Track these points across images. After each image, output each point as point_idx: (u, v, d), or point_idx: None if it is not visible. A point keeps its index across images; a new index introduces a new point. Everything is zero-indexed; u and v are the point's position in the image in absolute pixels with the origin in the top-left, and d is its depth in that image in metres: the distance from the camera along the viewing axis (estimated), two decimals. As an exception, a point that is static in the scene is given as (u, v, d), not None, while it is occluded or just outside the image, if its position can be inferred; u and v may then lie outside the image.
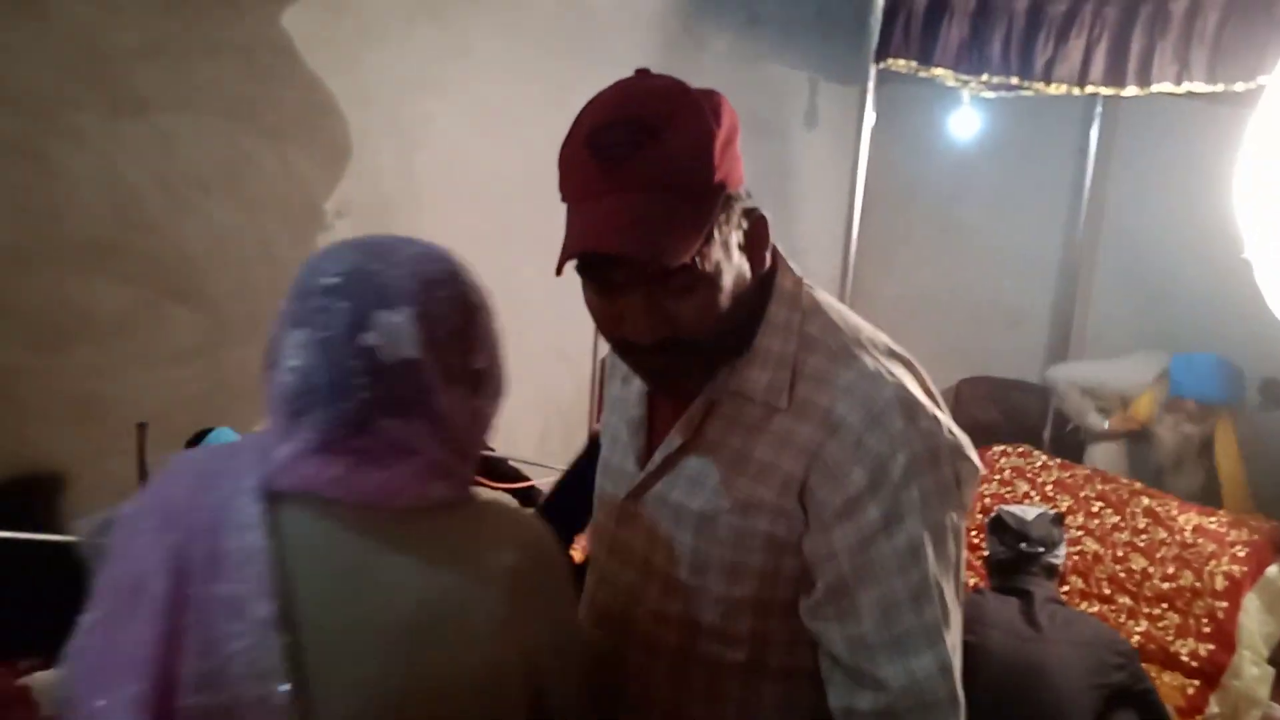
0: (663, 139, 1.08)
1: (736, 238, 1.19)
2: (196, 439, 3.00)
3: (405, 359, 1.02)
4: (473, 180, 4.13)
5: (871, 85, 3.74)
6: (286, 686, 0.91)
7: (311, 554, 0.99)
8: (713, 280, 1.14)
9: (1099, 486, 3.82)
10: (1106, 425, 4.61)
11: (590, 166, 1.12)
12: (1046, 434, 5.10)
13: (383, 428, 1.02)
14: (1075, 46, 3.80)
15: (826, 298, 1.29)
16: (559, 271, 1.14)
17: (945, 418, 1.23)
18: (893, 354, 1.26)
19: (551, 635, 1.12)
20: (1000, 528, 2.55)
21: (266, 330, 3.68)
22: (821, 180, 5.98)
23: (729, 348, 1.22)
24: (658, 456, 1.29)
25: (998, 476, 4.00)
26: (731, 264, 1.17)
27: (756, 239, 1.23)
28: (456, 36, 3.92)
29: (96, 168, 3.09)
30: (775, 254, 1.28)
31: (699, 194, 1.11)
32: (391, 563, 1.01)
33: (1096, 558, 3.44)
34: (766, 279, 1.25)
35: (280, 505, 1.00)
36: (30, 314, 3.05)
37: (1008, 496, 3.87)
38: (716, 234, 1.13)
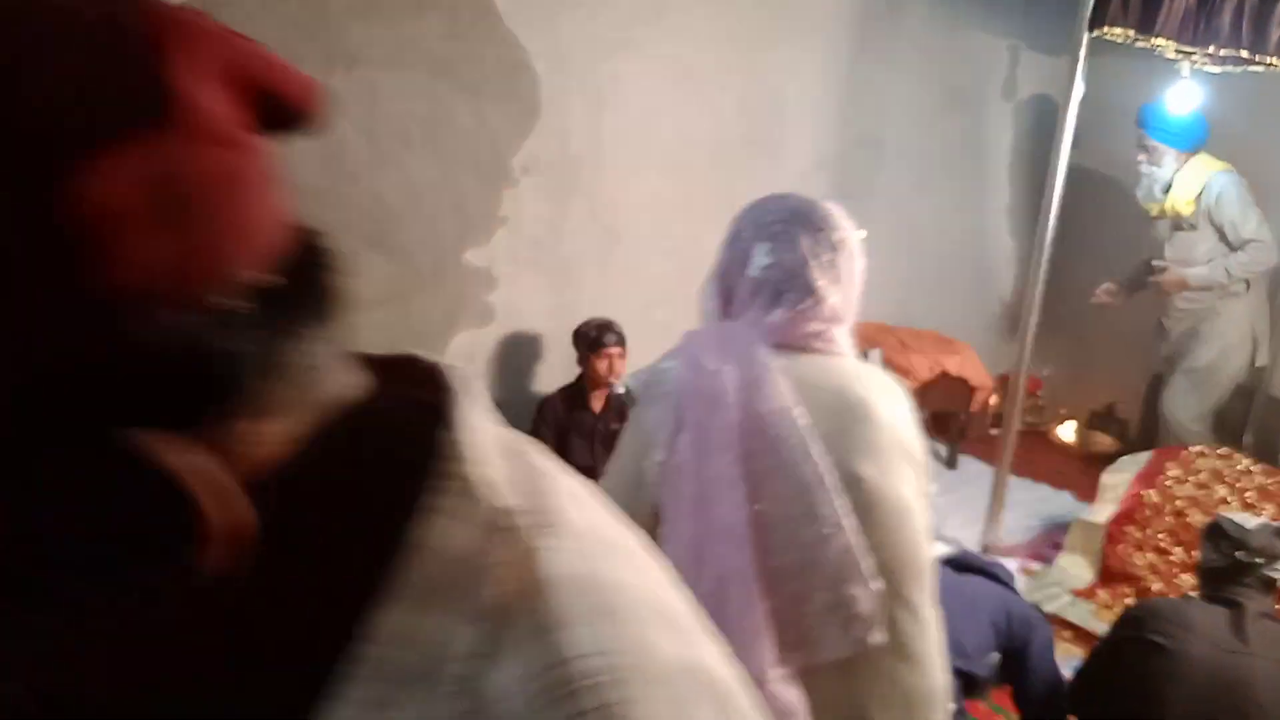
0: None
1: None
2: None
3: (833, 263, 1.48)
4: (659, 143, 4.16)
5: (1083, 54, 3.52)
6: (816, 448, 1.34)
7: (803, 380, 1.41)
8: None
9: (1308, 497, 3.55)
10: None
11: None
12: (1246, 438, 4.76)
13: (823, 302, 1.46)
14: (1318, 19, 3.47)
15: None
16: None
17: None
18: None
19: None
20: (1217, 534, 2.40)
21: (451, 275, 3.78)
22: (1018, 155, 5.73)
23: None
24: None
25: (1193, 478, 3.77)
26: None
27: None
28: (652, -1, 3.94)
29: (312, 119, 3.27)
30: None
31: None
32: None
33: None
34: None
35: (777, 351, 1.43)
36: (244, 254, 3.28)
37: (1203, 500, 3.64)
38: None
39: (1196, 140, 4.25)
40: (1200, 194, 4.21)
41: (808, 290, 1.44)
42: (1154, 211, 4.44)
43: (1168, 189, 4.30)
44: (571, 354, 3.90)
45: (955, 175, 5.36)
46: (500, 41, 3.60)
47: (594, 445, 3.82)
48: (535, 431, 3.79)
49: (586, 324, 3.76)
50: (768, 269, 1.46)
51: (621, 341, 3.73)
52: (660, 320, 4.23)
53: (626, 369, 3.78)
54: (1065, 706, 2.45)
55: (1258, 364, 4.48)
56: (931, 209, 5.32)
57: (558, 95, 3.79)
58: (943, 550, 3.55)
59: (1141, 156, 4.38)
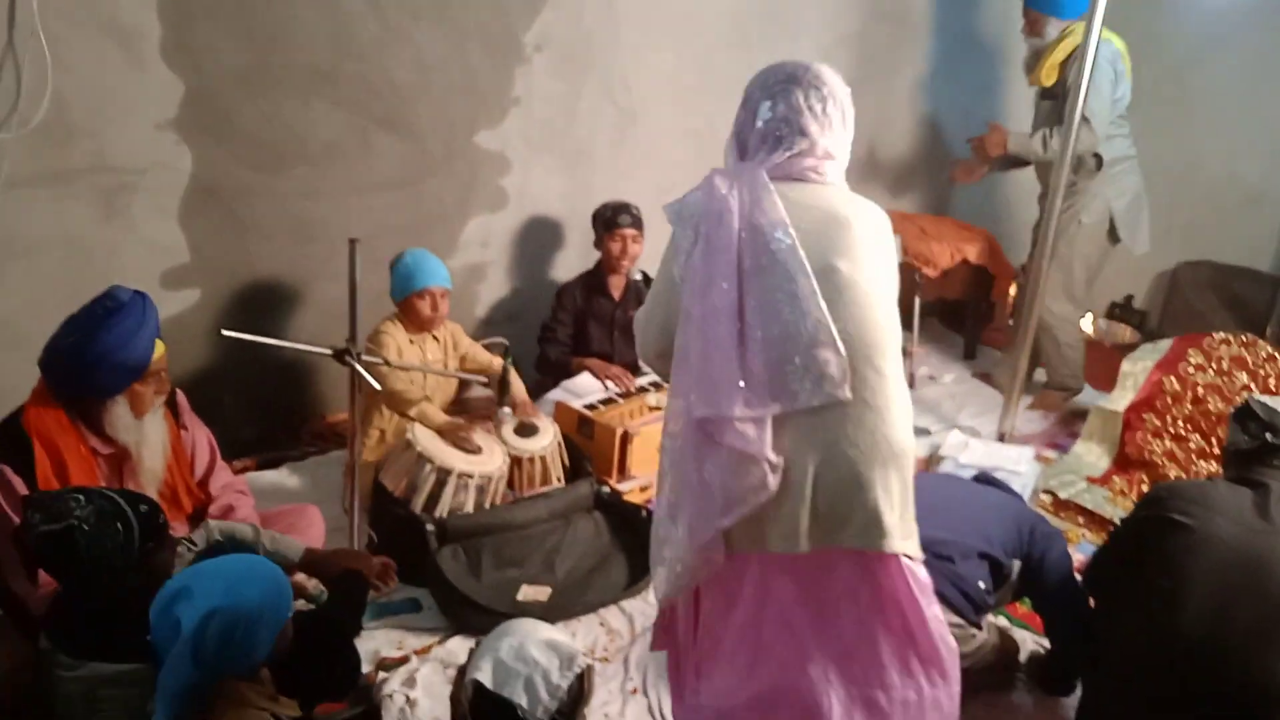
0: None
1: None
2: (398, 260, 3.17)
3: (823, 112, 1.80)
4: (674, 19, 4.02)
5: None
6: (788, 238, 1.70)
7: (795, 201, 1.73)
8: None
9: (1331, 385, 3.51)
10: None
11: None
12: (1270, 329, 4.69)
13: (815, 144, 1.78)
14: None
15: None
16: None
17: None
18: None
19: None
20: (1247, 416, 2.37)
21: (463, 157, 3.73)
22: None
23: None
24: None
25: (1214, 365, 3.73)
26: None
27: None
28: None
29: (317, -8, 3.16)
30: None
31: None
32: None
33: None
34: None
35: (777, 181, 1.75)
36: (253, 135, 3.21)
37: (1224, 388, 3.61)
38: None
39: (1077, 7, 3.81)
40: (1064, 61, 3.97)
41: (802, 134, 1.77)
42: (1030, 82, 4.20)
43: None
44: (587, 239, 3.85)
45: (982, 57, 5.19)
46: (512, -93, 3.46)
47: (612, 332, 3.79)
48: (554, 318, 3.76)
49: (603, 205, 3.71)
50: (769, 121, 1.79)
51: (637, 224, 3.67)
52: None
53: (643, 252, 3.72)
54: (1083, 601, 2.46)
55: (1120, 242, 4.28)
56: (956, 92, 5.16)
57: (570, -33, 3.66)
58: (965, 462, 3.56)
59: (1023, 28, 4.13)
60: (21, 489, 2.16)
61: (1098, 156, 3.95)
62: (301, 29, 3.18)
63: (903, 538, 1.74)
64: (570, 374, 3.67)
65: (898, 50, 4.90)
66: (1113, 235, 4.14)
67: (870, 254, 1.76)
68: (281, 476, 3.39)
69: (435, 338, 3.27)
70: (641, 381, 3.61)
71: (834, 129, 1.81)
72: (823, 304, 1.67)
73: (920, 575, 1.80)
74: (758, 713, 1.80)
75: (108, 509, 1.72)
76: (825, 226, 1.73)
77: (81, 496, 1.73)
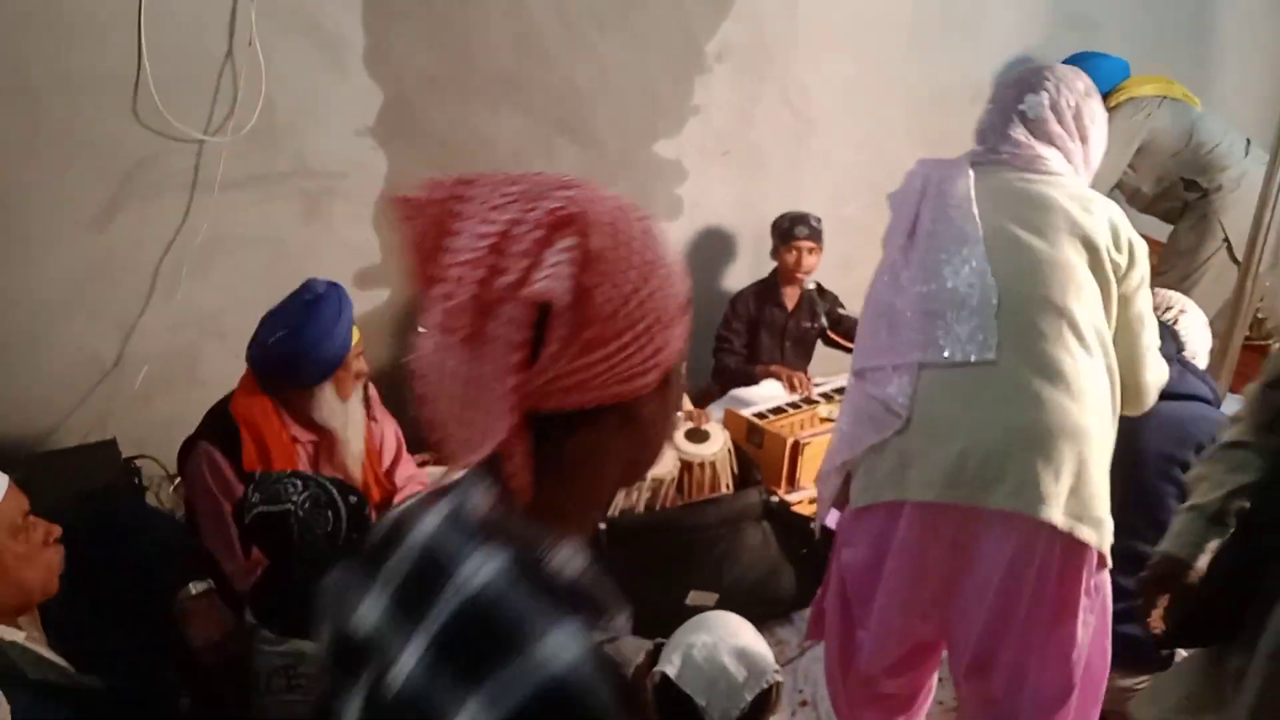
0: None
1: None
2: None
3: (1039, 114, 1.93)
4: (854, 30, 3.96)
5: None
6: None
7: (1001, 188, 1.88)
8: None
9: None
10: None
11: None
12: None
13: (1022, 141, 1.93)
14: None
15: None
16: None
17: None
18: None
19: None
20: None
21: (640, 165, 3.77)
22: (1250, 36, 5.20)
23: None
24: None
25: None
26: None
27: None
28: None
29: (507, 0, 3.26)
30: None
31: None
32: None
33: None
34: None
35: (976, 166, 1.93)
36: (440, 137, 3.34)
37: None
38: None
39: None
40: None
41: (1005, 132, 1.92)
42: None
43: None
44: (761, 248, 3.83)
45: (1178, 60, 4.91)
46: (698, -80, 3.49)
47: (783, 342, 3.77)
48: (727, 325, 3.76)
49: (782, 216, 3.68)
50: (982, 119, 2.01)
51: (814, 235, 3.63)
52: (850, 215, 4.10)
53: (819, 264, 3.68)
54: None
55: None
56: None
57: (755, -26, 3.65)
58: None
59: None
60: (229, 473, 2.31)
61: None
62: (491, 36, 3.28)
63: (1071, 516, 1.68)
64: (753, 381, 3.65)
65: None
66: None
67: (1065, 235, 1.78)
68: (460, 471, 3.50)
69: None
70: (819, 391, 3.57)
71: (1053, 128, 1.89)
72: (987, 269, 1.75)
73: (1100, 585, 1.76)
74: (909, 667, 1.98)
75: (322, 497, 1.81)
76: (1020, 203, 1.82)
77: (299, 482, 1.82)
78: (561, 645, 0.74)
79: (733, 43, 3.71)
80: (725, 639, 1.87)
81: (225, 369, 2.93)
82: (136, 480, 2.89)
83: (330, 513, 1.80)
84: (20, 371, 2.95)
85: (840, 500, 1.99)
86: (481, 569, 0.79)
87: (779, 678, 1.88)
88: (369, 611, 0.87)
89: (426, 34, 3.18)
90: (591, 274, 0.76)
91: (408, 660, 0.79)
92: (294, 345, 2.31)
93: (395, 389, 3.24)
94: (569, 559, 0.82)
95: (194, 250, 3.06)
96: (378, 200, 3.30)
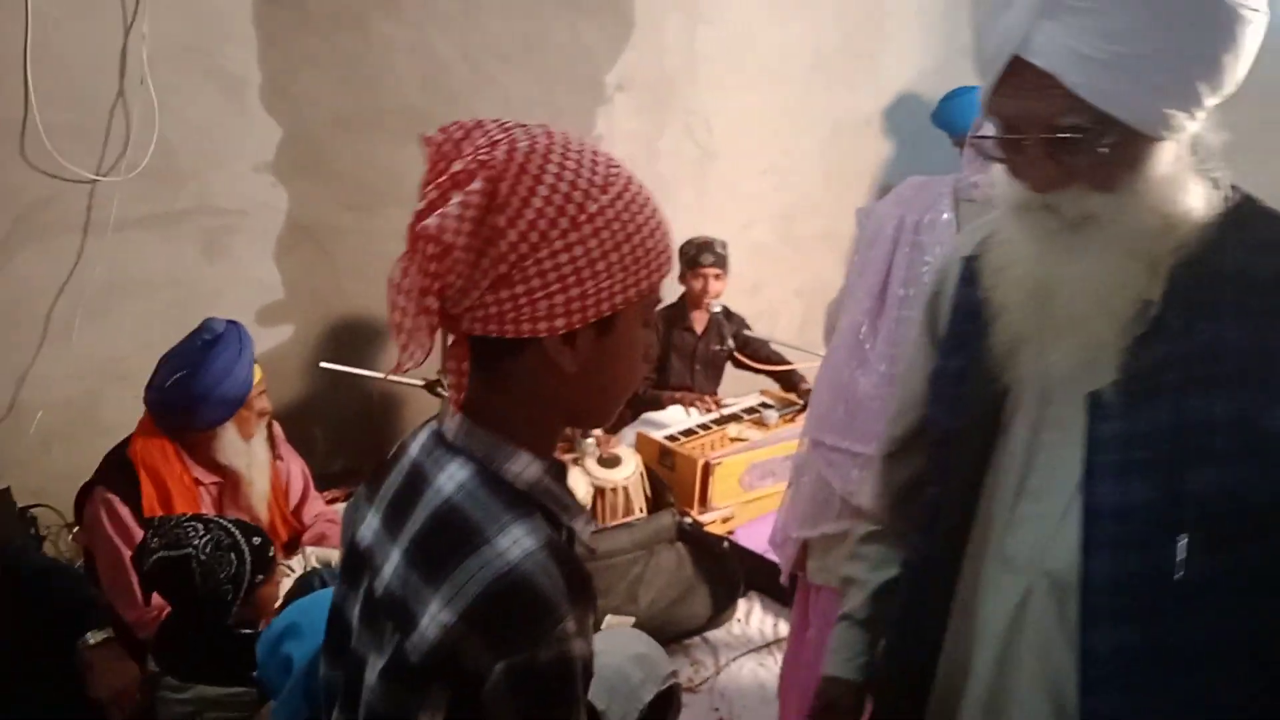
0: None
1: None
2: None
3: None
4: (756, 56, 4.07)
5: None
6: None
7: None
8: None
9: None
10: None
11: None
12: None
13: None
14: None
15: None
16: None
17: None
18: None
19: None
20: None
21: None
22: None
23: None
24: None
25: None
26: None
27: None
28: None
29: (411, 39, 3.28)
30: None
31: None
32: None
33: None
34: None
35: (961, 203, 1.63)
36: (349, 176, 3.33)
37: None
38: None
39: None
40: None
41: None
42: None
43: None
44: (669, 274, 3.89)
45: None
46: (597, -45, 3.55)
47: (693, 366, 3.82)
48: (634, 348, 3.79)
49: (688, 242, 3.73)
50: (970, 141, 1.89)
51: (720, 262, 3.69)
52: (758, 239, 4.20)
53: (725, 288, 3.75)
54: None
55: None
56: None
57: (654, 9, 3.74)
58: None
59: None
60: (129, 518, 2.26)
61: None
62: (396, 75, 3.29)
63: None
64: (661, 406, 3.69)
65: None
66: None
67: None
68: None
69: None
70: (728, 410, 3.62)
71: None
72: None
73: None
74: None
75: (224, 540, 1.78)
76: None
77: (200, 525, 1.80)
78: (517, 538, 0.85)
79: (633, 74, 3.78)
80: (621, 648, 1.90)
81: (129, 415, 2.86)
82: (33, 530, 2.80)
83: (233, 555, 1.77)
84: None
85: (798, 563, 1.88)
86: (450, 479, 0.91)
87: (675, 679, 1.91)
88: (368, 525, 1.00)
89: (330, 74, 3.18)
90: (498, 217, 0.84)
91: (390, 564, 0.91)
92: (193, 386, 2.28)
93: (300, 426, 3.21)
94: (525, 467, 0.92)
95: (90, 293, 2.99)
96: (280, 236, 3.27)
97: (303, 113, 3.18)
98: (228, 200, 3.16)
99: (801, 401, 3.59)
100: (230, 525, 1.84)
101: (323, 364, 2.44)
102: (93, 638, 1.85)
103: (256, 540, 1.83)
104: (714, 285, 3.70)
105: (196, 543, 1.75)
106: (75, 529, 2.78)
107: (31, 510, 2.85)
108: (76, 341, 3.03)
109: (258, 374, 2.42)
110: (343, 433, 3.60)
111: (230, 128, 3.09)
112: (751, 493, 3.28)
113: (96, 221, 2.95)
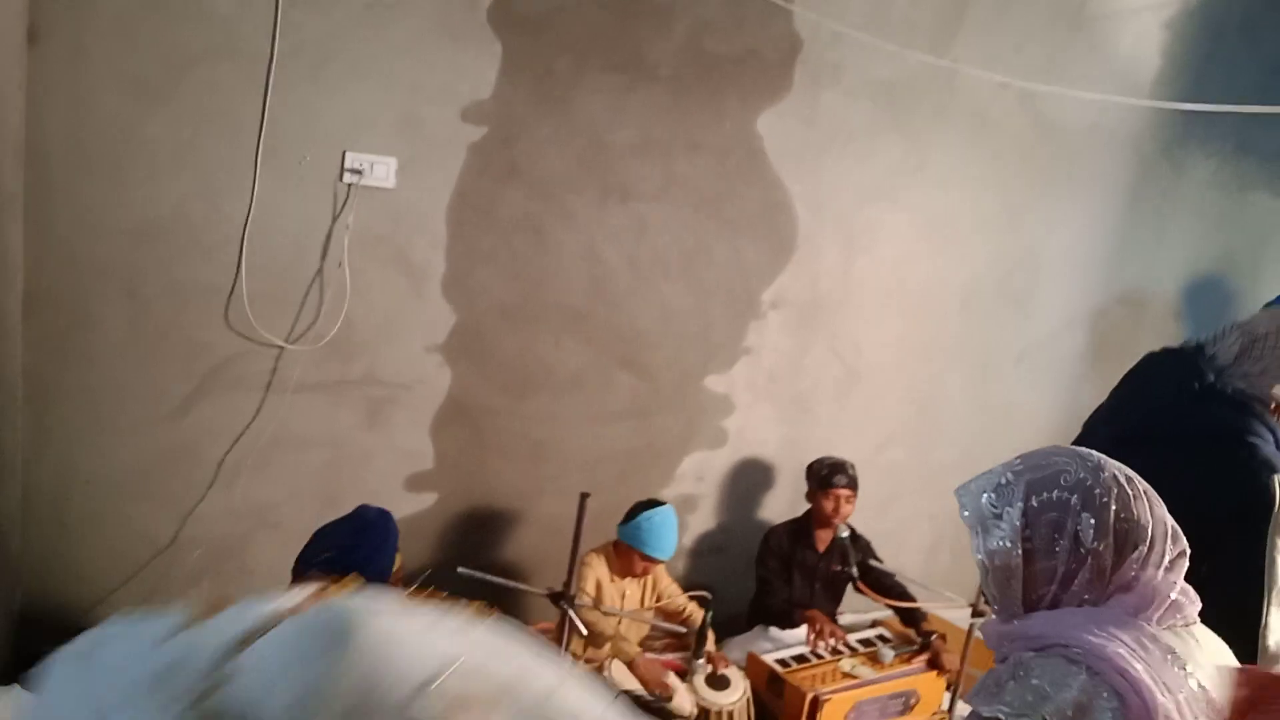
0: None
1: None
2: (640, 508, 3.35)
3: None
4: (908, 288, 4.17)
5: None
6: None
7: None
8: None
9: None
10: None
11: None
12: None
13: None
14: None
15: None
16: None
17: None
18: None
19: None
20: None
21: (690, 397, 3.89)
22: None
23: None
24: None
25: None
26: None
27: None
28: (917, 149, 3.99)
29: (582, 245, 3.52)
30: None
31: None
32: None
33: None
34: None
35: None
36: (507, 363, 3.53)
37: None
38: None
39: None
40: None
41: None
42: None
43: None
44: (799, 486, 3.93)
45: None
46: (764, 183, 3.76)
47: (814, 584, 3.81)
48: (760, 559, 3.82)
49: (820, 461, 3.78)
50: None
51: (852, 485, 3.72)
52: (892, 460, 4.21)
53: (854, 510, 3.76)
54: None
55: None
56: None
57: (813, 236, 3.90)
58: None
59: None
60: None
61: None
62: (564, 277, 3.52)
63: None
64: (792, 624, 3.66)
65: (1134, 332, 4.82)
66: None
67: None
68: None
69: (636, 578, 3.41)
70: (853, 640, 3.56)
71: None
72: None
73: None
74: None
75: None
76: None
77: None
78: None
79: (787, 295, 3.92)
80: None
81: (274, 558, 3.06)
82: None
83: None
84: (77, 547, 3.11)
85: None
86: None
87: None
88: None
89: (505, 270, 3.43)
90: None
91: None
92: (339, 568, 2.42)
93: (433, 589, 3.31)
94: None
95: (260, 445, 3.23)
96: (437, 412, 3.48)
97: (475, 302, 3.42)
98: (395, 374, 3.39)
99: (920, 640, 3.52)
100: None
101: (461, 569, 2.55)
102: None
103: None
104: (845, 507, 3.72)
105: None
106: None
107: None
108: (239, 488, 3.26)
109: (397, 561, 2.56)
110: (469, 599, 3.71)
111: (409, 310, 3.34)
112: (859, 732, 3.21)
113: (278, 383, 3.21)
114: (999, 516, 1.42)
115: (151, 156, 2.86)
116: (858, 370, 4.17)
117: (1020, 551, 1.38)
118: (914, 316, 4.21)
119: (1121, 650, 1.28)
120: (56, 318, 2.89)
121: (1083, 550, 1.35)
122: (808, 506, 3.84)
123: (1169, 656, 1.30)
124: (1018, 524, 1.39)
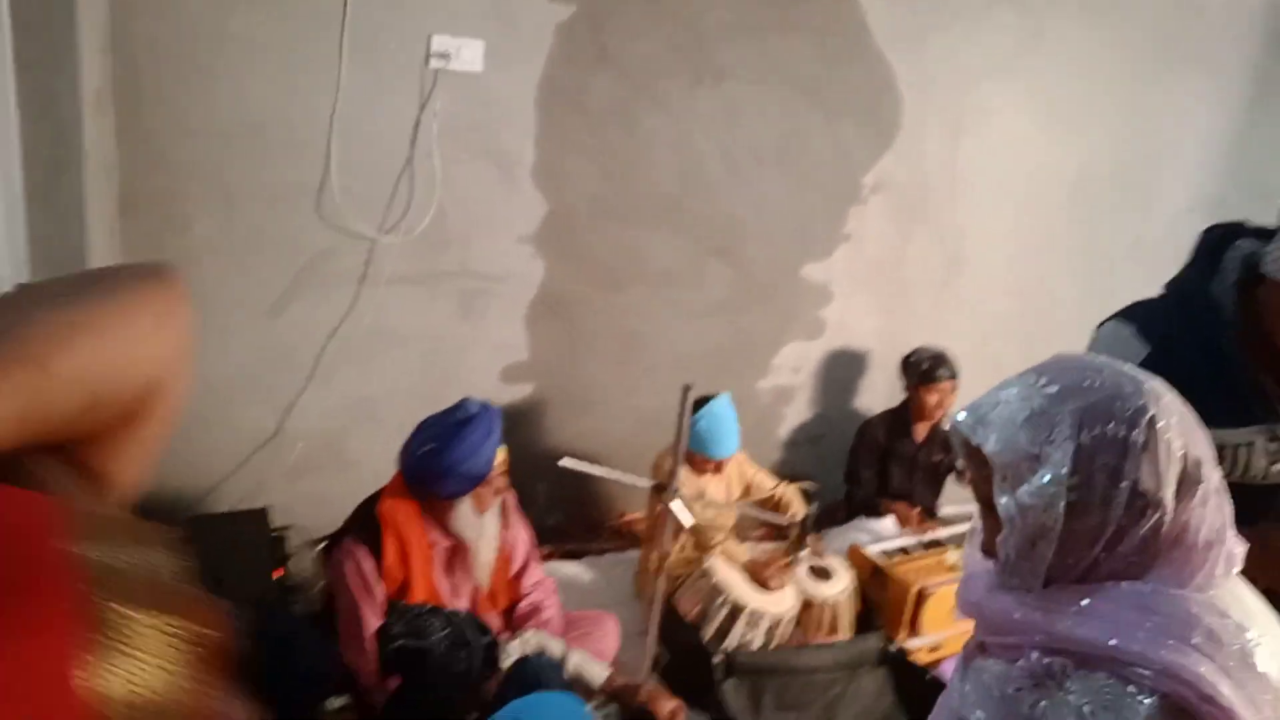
0: None
1: None
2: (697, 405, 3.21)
3: None
4: (1017, 175, 3.97)
5: None
6: None
7: None
8: None
9: None
10: None
11: None
12: None
13: None
14: None
15: None
16: None
17: None
18: None
19: None
20: None
21: (786, 287, 3.78)
22: None
23: None
24: None
25: None
26: None
27: None
28: (1032, 22, 3.74)
29: (674, 132, 3.39)
30: None
31: None
32: None
33: None
34: None
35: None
36: (600, 256, 3.47)
37: None
38: None
39: None
40: None
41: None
42: None
43: None
44: (896, 374, 3.83)
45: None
46: (865, 63, 3.57)
47: (914, 473, 3.73)
48: (854, 452, 3.75)
49: (918, 353, 3.66)
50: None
51: (954, 375, 3.60)
52: (995, 354, 4.06)
53: (957, 403, 3.65)
54: None
55: None
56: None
57: (918, 118, 3.71)
58: None
59: None
60: (370, 572, 2.43)
61: None
62: (655, 166, 3.41)
63: None
64: (879, 514, 3.63)
65: (1261, 222, 4.55)
66: None
67: None
68: (579, 570, 3.55)
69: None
70: (943, 534, 3.51)
71: None
72: None
73: None
74: None
75: (460, 638, 1.90)
76: None
77: (439, 620, 1.92)
78: None
79: (890, 179, 3.75)
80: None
81: (372, 451, 3.08)
82: (283, 548, 3.06)
83: (464, 653, 1.88)
84: (183, 444, 3.17)
85: None
86: None
87: None
88: None
89: (595, 158, 3.33)
90: None
91: None
92: (440, 460, 2.43)
93: (527, 479, 3.33)
94: None
95: (356, 339, 3.24)
96: (531, 304, 3.44)
97: (565, 193, 3.34)
98: (488, 266, 3.35)
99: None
100: (464, 623, 1.95)
101: (561, 462, 2.53)
102: (333, 703, 2.00)
103: (485, 639, 1.93)
104: (949, 399, 3.62)
105: (434, 637, 1.87)
106: (317, 549, 3.02)
107: (282, 531, 3.11)
108: (337, 382, 3.28)
109: (501, 454, 2.55)
110: (563, 490, 3.73)
111: (500, 201, 3.28)
112: (964, 624, 3.16)
113: (372, 275, 3.19)
114: (1036, 458, 1.06)
115: (235, 54, 2.80)
116: (961, 260, 4.01)
117: (1064, 504, 1.05)
118: (1023, 204, 4.01)
119: (1202, 668, 0.98)
120: (151, 218, 2.89)
121: (1142, 502, 1.04)
122: (904, 397, 3.75)
123: (1240, 644, 1.02)
124: (1065, 471, 1.04)
